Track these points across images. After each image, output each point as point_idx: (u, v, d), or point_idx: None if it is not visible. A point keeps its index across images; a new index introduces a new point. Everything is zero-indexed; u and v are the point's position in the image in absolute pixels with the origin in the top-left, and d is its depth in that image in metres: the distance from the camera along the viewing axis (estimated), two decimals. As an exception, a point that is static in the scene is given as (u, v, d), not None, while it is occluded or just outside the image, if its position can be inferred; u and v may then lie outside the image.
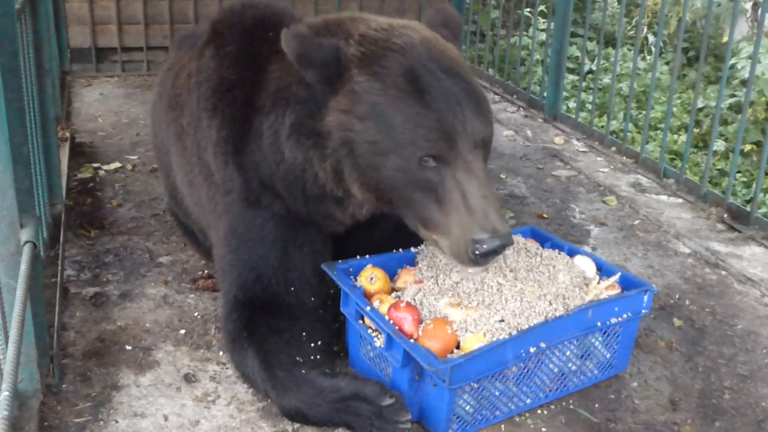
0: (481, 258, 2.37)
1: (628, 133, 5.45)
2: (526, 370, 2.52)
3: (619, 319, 2.67)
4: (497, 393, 2.49)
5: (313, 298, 2.81)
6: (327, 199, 2.69)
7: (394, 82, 2.38)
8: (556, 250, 2.91)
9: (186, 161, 3.05)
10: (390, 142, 2.39)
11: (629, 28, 8.66)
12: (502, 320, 2.50)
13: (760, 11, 4.22)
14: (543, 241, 3.04)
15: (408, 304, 2.55)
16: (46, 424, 2.46)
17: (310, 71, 2.45)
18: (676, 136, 6.41)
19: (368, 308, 2.55)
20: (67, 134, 4.78)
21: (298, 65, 2.46)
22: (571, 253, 2.94)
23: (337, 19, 2.65)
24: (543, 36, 7.29)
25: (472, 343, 2.42)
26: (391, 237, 2.95)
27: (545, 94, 6.13)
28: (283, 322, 2.72)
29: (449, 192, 2.39)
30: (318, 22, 2.67)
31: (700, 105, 6.71)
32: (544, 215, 4.25)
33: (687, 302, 3.38)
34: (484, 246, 2.33)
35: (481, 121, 2.44)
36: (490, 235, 2.34)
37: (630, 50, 8.02)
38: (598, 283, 2.78)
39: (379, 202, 2.55)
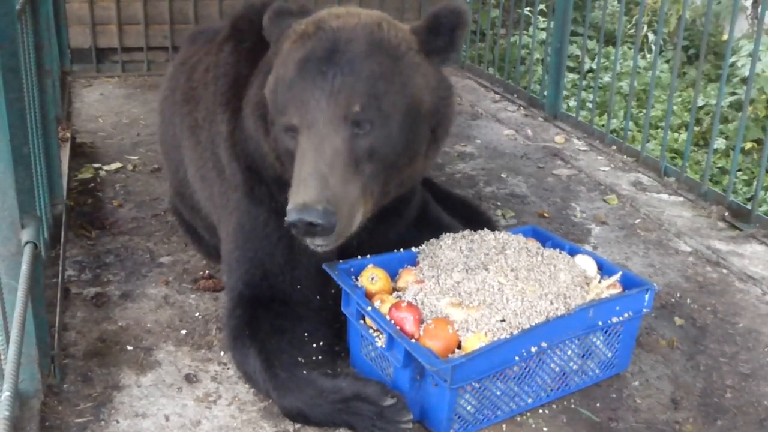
0: (295, 232, 2.31)
1: (629, 132, 5.44)
2: (527, 370, 2.52)
3: (621, 318, 2.67)
4: (498, 393, 2.49)
5: (318, 297, 2.81)
6: (284, 184, 2.68)
7: (296, 58, 2.44)
8: (557, 250, 2.91)
9: (199, 156, 3.06)
10: (273, 112, 2.49)
11: (629, 26, 8.65)
12: (504, 320, 2.50)
13: (760, 9, 4.22)
14: (544, 240, 3.04)
15: (409, 303, 2.55)
16: (47, 424, 2.46)
17: (271, 46, 2.63)
18: (676, 135, 6.40)
19: (369, 308, 2.55)
20: (68, 134, 4.78)
21: (266, 38, 2.65)
22: (572, 253, 2.94)
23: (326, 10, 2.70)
24: (543, 35, 7.28)
25: (473, 342, 2.42)
26: (402, 237, 2.94)
27: (545, 93, 6.13)
28: (286, 322, 2.72)
29: (295, 162, 2.37)
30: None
31: (700, 103, 6.70)
32: (545, 214, 4.25)
33: (688, 301, 3.38)
34: (286, 218, 2.27)
35: (346, 94, 2.35)
36: (292, 207, 2.26)
37: (630, 49, 8.02)
38: (599, 282, 2.78)
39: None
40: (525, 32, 7.00)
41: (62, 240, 3.46)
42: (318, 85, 2.36)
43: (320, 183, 2.26)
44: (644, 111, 5.66)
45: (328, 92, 2.35)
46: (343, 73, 2.37)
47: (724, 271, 3.67)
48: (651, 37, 8.40)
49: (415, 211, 3.03)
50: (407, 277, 2.76)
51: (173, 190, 3.58)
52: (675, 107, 6.62)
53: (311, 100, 2.36)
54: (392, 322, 2.48)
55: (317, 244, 2.37)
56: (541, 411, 2.64)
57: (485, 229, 2.97)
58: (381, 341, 2.52)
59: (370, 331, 2.58)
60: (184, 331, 3.02)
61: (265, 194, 2.80)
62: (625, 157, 5.14)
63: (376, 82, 2.40)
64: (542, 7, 8.09)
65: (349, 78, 2.36)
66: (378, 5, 7.21)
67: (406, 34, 2.56)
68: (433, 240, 2.89)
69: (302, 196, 2.24)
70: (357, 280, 2.74)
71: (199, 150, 3.05)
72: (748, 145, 6.21)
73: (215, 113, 2.89)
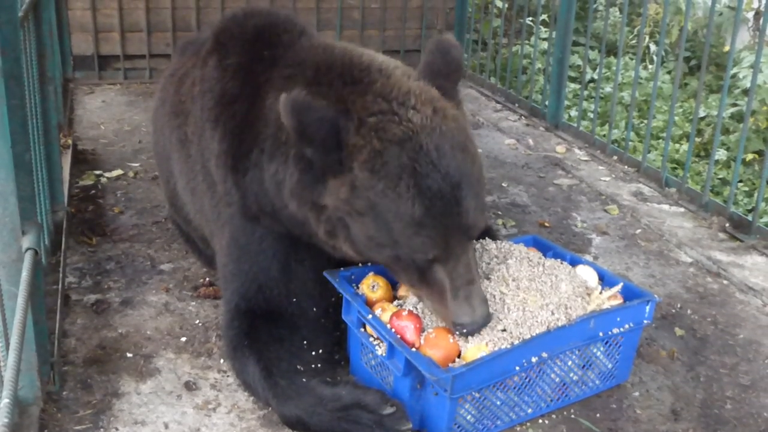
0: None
1: (630, 142, 5.44)
2: (527, 380, 2.52)
3: (621, 329, 2.67)
4: (499, 402, 2.48)
5: (314, 308, 2.81)
6: (322, 241, 2.67)
7: (394, 183, 2.31)
8: (558, 260, 2.91)
9: (189, 169, 3.05)
10: (386, 240, 2.39)
11: (631, 37, 8.66)
12: (504, 330, 2.50)
13: (761, 20, 4.23)
14: (545, 250, 3.04)
15: (410, 312, 2.55)
16: (46, 431, 2.45)
17: (309, 149, 2.38)
18: (677, 145, 6.40)
19: (370, 316, 2.54)
20: (70, 141, 4.79)
21: (297, 140, 2.38)
22: (573, 263, 2.94)
23: (328, 78, 2.52)
24: (545, 45, 7.29)
25: (473, 352, 2.42)
26: None
27: (547, 103, 6.14)
28: (284, 331, 2.71)
29: (437, 279, 2.45)
30: (315, 61, 2.61)
31: (701, 114, 6.69)
32: (546, 224, 4.25)
33: (689, 312, 3.38)
34: (465, 330, 2.46)
35: (477, 217, 2.43)
36: (471, 320, 2.44)
37: (632, 59, 8.02)
38: (600, 292, 2.78)
39: (364, 260, 2.64)
40: (527, 42, 7.01)
41: (63, 247, 3.46)
42: (460, 213, 2.37)
43: (478, 293, 2.49)
44: (645, 121, 5.66)
45: (461, 219, 2.38)
46: (468, 192, 2.37)
47: (725, 282, 3.66)
48: (653, 47, 8.40)
49: None
50: (408, 286, 2.75)
51: (168, 200, 3.58)
52: (676, 118, 6.62)
53: (449, 235, 2.38)
54: (393, 330, 2.48)
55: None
56: (541, 421, 2.63)
57: (486, 238, 2.96)
58: (381, 350, 2.51)
59: (371, 339, 2.58)
60: (184, 339, 3.01)
61: (275, 226, 2.77)
62: (626, 167, 5.14)
63: (482, 185, 2.50)
64: (544, 17, 8.10)
65: (471, 199, 2.38)
66: (380, 15, 7.24)
67: (454, 107, 2.54)
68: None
69: (473, 309, 2.45)
70: (358, 288, 2.74)
71: (190, 163, 3.04)
72: (749, 157, 6.21)
73: (204, 129, 2.86)
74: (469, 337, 2.47)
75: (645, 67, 8.10)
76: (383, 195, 2.32)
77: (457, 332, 2.47)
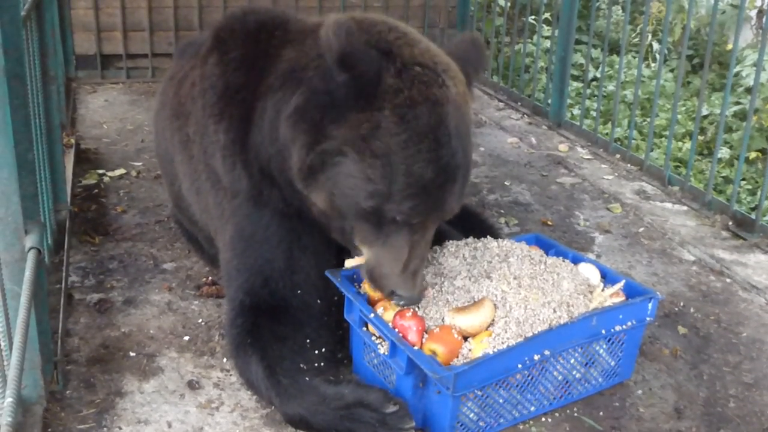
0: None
1: (633, 141, 5.44)
2: (530, 378, 2.52)
3: (624, 326, 2.67)
4: (501, 400, 2.48)
5: (319, 301, 2.81)
6: (299, 193, 2.66)
7: (419, 139, 2.36)
8: (561, 258, 2.91)
9: (192, 169, 3.05)
10: (383, 189, 2.39)
11: (633, 35, 8.65)
12: (506, 328, 2.49)
13: (764, 19, 4.22)
14: (547, 248, 3.04)
15: (414, 313, 2.55)
16: (50, 430, 2.46)
17: (346, 75, 2.33)
18: (680, 144, 6.39)
19: (372, 315, 2.54)
20: (72, 141, 4.79)
21: (335, 61, 2.31)
22: (576, 261, 2.94)
23: (373, 24, 2.55)
24: (547, 43, 7.29)
25: (479, 342, 2.43)
26: None
27: (549, 102, 6.13)
28: (288, 329, 2.71)
29: (398, 245, 2.50)
30: (354, 19, 2.55)
31: (704, 112, 6.68)
32: (549, 222, 4.25)
33: (691, 310, 3.37)
34: (402, 302, 2.55)
35: (459, 204, 2.56)
36: (409, 295, 2.53)
37: (634, 57, 8.01)
38: (603, 290, 2.78)
39: (328, 210, 2.57)
40: (529, 41, 7.00)
41: (66, 246, 3.46)
42: (451, 194, 2.47)
43: (422, 272, 2.59)
44: (648, 120, 5.66)
45: (449, 199, 2.49)
46: (462, 175, 2.49)
47: (728, 280, 3.66)
48: (655, 46, 8.40)
49: None
50: (410, 285, 2.75)
51: (172, 201, 3.58)
52: (679, 116, 6.61)
53: (433, 209, 2.47)
54: (396, 329, 2.48)
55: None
56: (543, 419, 2.63)
57: (488, 237, 2.96)
58: (384, 348, 2.52)
59: (373, 338, 2.58)
60: (187, 338, 3.02)
61: (274, 197, 2.77)
62: (629, 165, 5.14)
63: (468, 182, 2.61)
64: (547, 15, 8.09)
65: (461, 183, 2.50)
66: (382, 14, 7.22)
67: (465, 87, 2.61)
68: (436, 248, 2.88)
69: (415, 286, 2.54)
70: (360, 287, 2.74)
71: (193, 164, 3.04)
72: (753, 155, 6.20)
73: (207, 126, 2.85)
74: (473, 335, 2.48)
75: (648, 66, 8.09)
76: (404, 146, 2.36)
77: (394, 301, 2.56)
